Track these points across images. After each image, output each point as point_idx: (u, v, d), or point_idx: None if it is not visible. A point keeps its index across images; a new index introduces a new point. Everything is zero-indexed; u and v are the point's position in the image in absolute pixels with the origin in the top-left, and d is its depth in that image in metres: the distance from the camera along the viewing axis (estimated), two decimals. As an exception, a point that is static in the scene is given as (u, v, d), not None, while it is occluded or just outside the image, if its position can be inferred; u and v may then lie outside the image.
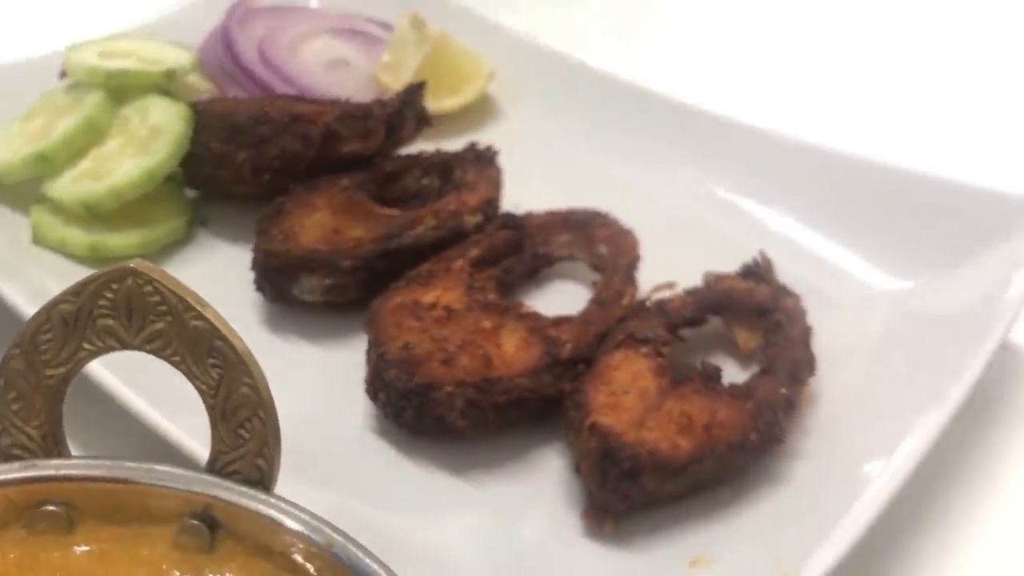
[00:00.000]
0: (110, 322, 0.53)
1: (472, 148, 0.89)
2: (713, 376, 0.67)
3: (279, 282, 0.77)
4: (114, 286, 0.53)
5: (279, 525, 0.52)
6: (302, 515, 0.52)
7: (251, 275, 0.80)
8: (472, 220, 0.82)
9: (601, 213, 0.84)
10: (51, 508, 0.54)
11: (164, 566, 0.53)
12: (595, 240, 0.82)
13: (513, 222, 0.82)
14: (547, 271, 0.84)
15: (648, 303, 0.76)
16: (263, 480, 0.54)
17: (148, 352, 0.53)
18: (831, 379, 0.73)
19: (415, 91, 0.90)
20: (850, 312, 0.79)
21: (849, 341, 0.76)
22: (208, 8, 1.05)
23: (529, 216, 0.83)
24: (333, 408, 0.73)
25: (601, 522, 0.63)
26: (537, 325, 0.71)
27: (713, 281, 0.78)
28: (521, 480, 0.67)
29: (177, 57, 0.92)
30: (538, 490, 0.67)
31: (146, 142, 0.84)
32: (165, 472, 0.54)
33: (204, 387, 0.53)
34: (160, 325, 0.53)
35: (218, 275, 0.82)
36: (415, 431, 0.68)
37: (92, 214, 0.81)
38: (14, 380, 0.54)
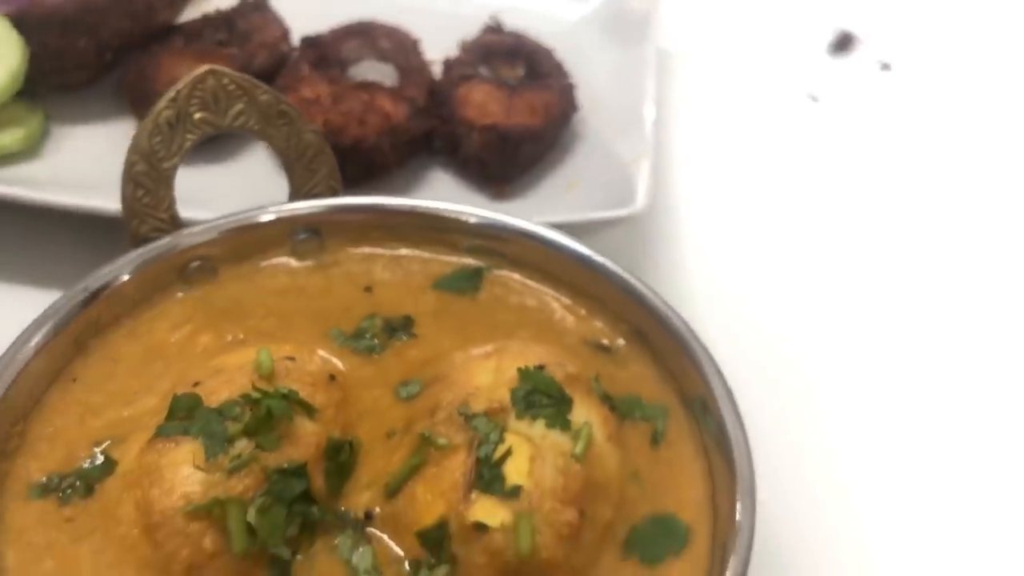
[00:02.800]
0: (203, 114, 0.73)
1: (245, 2, 1.10)
2: (529, 81, 1.00)
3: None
4: (200, 86, 0.72)
5: (364, 209, 0.76)
6: (372, 200, 0.77)
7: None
8: (286, 47, 1.05)
9: (369, 21, 1.10)
10: (196, 264, 0.74)
11: (294, 264, 0.75)
12: (377, 39, 1.09)
13: (314, 42, 1.06)
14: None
15: (445, 63, 1.06)
16: (337, 193, 0.78)
17: (235, 129, 0.74)
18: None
19: (188, -35, 1.08)
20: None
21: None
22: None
23: (321, 36, 1.08)
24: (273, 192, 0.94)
25: (503, 189, 0.95)
26: (392, 92, 0.99)
27: (471, 43, 1.10)
28: (435, 190, 0.96)
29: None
30: (449, 187, 0.96)
31: (-14, 54, 0.94)
32: (269, 210, 0.76)
33: (279, 143, 0.76)
34: (240, 105, 0.74)
35: (116, 143, 0.98)
36: (353, 181, 0.93)
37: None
38: (140, 181, 0.72)
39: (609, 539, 0.59)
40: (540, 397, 0.61)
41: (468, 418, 0.60)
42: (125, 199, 0.72)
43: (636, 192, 0.85)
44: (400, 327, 0.71)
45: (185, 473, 0.56)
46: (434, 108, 0.99)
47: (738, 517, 0.58)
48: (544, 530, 0.56)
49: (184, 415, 0.59)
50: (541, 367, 0.63)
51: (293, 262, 0.76)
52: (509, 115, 0.95)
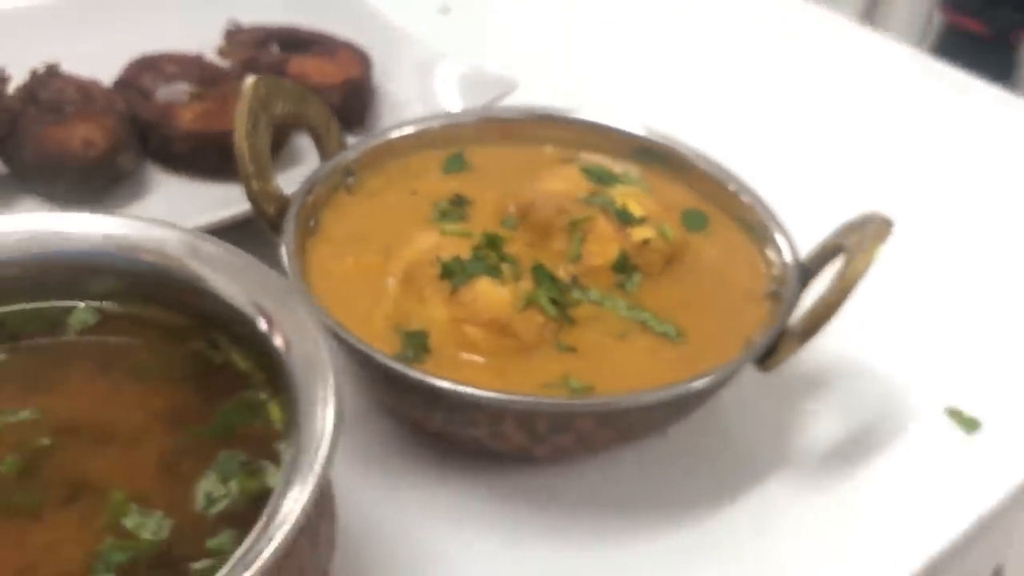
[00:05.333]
0: (264, 112, 0.95)
1: (36, 75, 1.20)
2: (319, 49, 1.29)
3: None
4: (256, 92, 0.94)
5: (380, 146, 1.04)
6: (380, 139, 1.05)
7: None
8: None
9: (149, 55, 1.28)
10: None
11: (350, 197, 1.02)
12: (164, 66, 1.27)
13: (124, 82, 1.23)
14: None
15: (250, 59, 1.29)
16: (345, 147, 1.04)
17: (281, 117, 0.97)
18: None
19: None
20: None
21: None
22: None
23: (121, 76, 1.24)
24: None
25: (364, 127, 1.25)
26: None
27: (231, 47, 1.33)
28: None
29: None
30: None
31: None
32: (326, 168, 1.01)
33: (308, 119, 1.00)
34: (281, 99, 0.97)
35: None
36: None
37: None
38: (254, 157, 0.93)
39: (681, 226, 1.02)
40: (603, 176, 1.00)
41: (584, 200, 0.97)
42: (244, 172, 0.93)
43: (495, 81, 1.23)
44: (458, 202, 1.03)
45: (499, 293, 0.87)
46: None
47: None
48: (671, 229, 0.97)
49: (456, 271, 0.88)
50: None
51: (349, 197, 1.02)
52: (348, 72, 1.24)
